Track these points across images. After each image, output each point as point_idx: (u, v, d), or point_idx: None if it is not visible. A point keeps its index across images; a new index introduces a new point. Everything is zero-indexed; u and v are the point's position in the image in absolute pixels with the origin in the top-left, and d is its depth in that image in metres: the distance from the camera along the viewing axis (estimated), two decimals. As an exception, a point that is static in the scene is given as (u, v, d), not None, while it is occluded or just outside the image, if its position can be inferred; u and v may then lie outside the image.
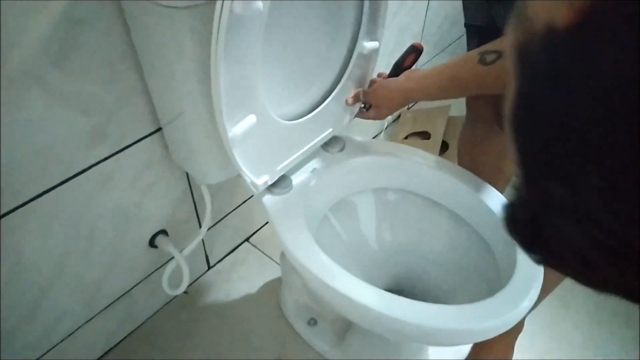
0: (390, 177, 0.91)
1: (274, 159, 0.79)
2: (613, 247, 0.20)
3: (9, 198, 0.68)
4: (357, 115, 0.92)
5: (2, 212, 0.67)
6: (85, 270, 0.85)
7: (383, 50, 1.48)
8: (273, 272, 1.19)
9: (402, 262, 0.95)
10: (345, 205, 0.92)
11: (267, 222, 1.28)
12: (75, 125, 0.70)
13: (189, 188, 0.98)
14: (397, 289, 0.92)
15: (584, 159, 0.19)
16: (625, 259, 0.20)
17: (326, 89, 0.84)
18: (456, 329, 0.65)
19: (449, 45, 1.84)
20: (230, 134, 0.64)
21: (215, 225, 1.12)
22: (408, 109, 1.72)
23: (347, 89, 0.86)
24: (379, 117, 0.87)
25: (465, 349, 1.01)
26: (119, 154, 0.79)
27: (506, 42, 0.23)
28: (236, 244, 1.25)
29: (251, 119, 0.66)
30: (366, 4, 0.77)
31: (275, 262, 1.21)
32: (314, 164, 0.88)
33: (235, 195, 1.14)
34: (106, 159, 0.78)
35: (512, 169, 1.01)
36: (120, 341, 1.03)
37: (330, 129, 0.88)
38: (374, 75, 0.91)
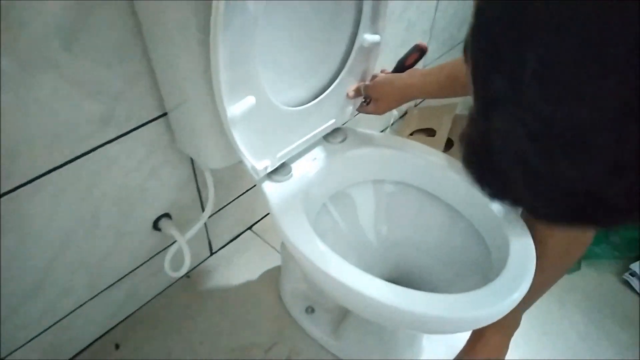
0: (390, 170, 0.92)
1: (274, 145, 0.80)
2: (543, 132, 0.24)
3: (18, 174, 0.70)
4: (357, 109, 0.94)
5: (10, 188, 0.70)
6: (90, 248, 0.88)
7: (389, 46, 1.50)
8: (274, 260, 1.21)
9: (400, 253, 0.96)
10: (344, 196, 0.94)
11: (270, 212, 1.30)
12: (82, 107, 0.73)
13: (193, 174, 1.00)
14: (394, 280, 0.93)
15: (522, 47, 0.23)
16: (552, 145, 0.24)
17: (327, 80, 0.85)
18: (447, 316, 0.66)
19: (458, 43, 1.84)
20: (229, 113, 0.66)
21: (219, 212, 1.14)
22: (415, 105, 1.73)
23: (348, 81, 0.88)
24: (378, 111, 0.89)
25: (460, 343, 1.02)
26: (125, 137, 0.82)
27: None
28: (239, 232, 1.27)
29: (250, 100, 0.68)
30: (368, -3, 0.78)
31: (277, 250, 1.23)
32: (314, 153, 0.89)
33: (239, 184, 1.16)
34: (112, 140, 0.80)
35: None
36: (123, 320, 1.06)
37: (333, 120, 0.90)
38: (377, 71, 0.93)
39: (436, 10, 1.55)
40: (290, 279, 1.07)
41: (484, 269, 0.79)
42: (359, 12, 0.80)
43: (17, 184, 0.71)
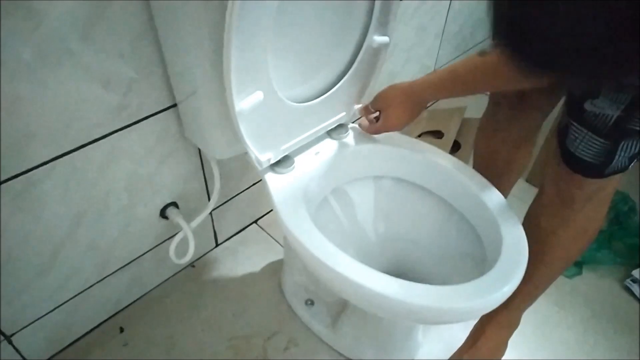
0: (389, 166, 0.94)
1: (279, 138, 0.83)
2: None
3: (32, 156, 0.74)
4: (368, 130, 0.92)
5: (25, 169, 0.74)
6: (99, 232, 0.91)
7: (400, 48, 1.52)
8: (277, 254, 1.23)
9: (397, 247, 0.98)
10: (345, 191, 0.96)
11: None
12: (95, 94, 0.76)
13: (200, 165, 1.03)
14: (392, 273, 0.95)
15: None
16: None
17: (334, 78, 0.88)
18: (441, 307, 0.67)
19: (470, 48, 1.85)
20: (237, 108, 0.68)
21: (225, 204, 1.17)
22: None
23: (353, 82, 0.89)
24: (388, 123, 0.87)
25: (456, 340, 1.03)
26: (136, 125, 0.85)
27: None
28: (244, 225, 1.30)
29: (258, 95, 0.71)
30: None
31: (281, 244, 1.26)
32: (317, 148, 0.92)
33: (246, 178, 1.19)
34: (123, 128, 0.83)
35: (525, 162, 1.04)
36: (128, 305, 1.10)
37: (336, 117, 0.92)
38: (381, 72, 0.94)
39: (448, 13, 1.56)
40: (291, 272, 1.09)
41: (478, 262, 0.80)
42: (370, 12, 0.82)
43: (32, 166, 0.74)
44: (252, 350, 1.03)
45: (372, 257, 0.97)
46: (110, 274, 1.00)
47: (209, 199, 1.07)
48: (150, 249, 1.05)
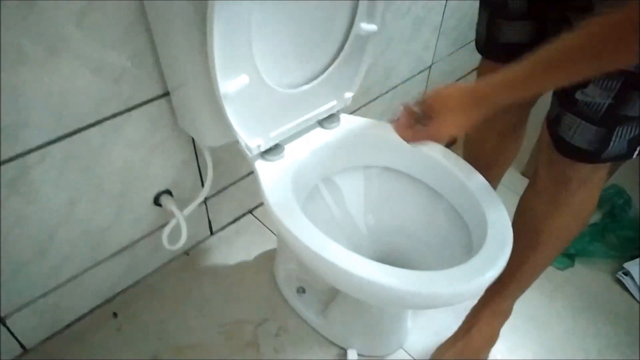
0: (380, 156, 0.95)
1: (268, 125, 0.84)
2: None
3: (26, 140, 0.75)
4: (413, 137, 0.73)
5: (19, 152, 0.75)
6: (93, 217, 0.93)
7: (398, 41, 1.52)
8: (271, 243, 1.25)
9: (387, 235, 0.99)
10: (334, 181, 0.97)
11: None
12: (89, 81, 0.78)
13: (194, 154, 1.05)
14: (382, 262, 0.96)
15: None
16: None
17: (324, 65, 0.88)
18: (424, 292, 0.68)
19: (470, 42, 1.84)
20: (222, 89, 0.70)
21: (220, 194, 1.19)
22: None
23: (342, 70, 0.90)
24: (442, 129, 0.68)
25: (445, 330, 1.04)
26: (129, 112, 0.86)
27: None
28: (239, 215, 1.31)
29: (244, 79, 0.72)
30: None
31: (275, 234, 1.27)
32: (308, 137, 0.93)
33: (240, 168, 1.20)
34: (117, 115, 0.85)
35: (514, 151, 1.04)
36: (122, 291, 1.11)
37: (326, 106, 0.93)
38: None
39: (445, 5, 1.56)
40: (284, 261, 1.10)
41: (466, 248, 0.81)
42: (356, 1, 0.83)
43: (26, 149, 0.76)
44: (243, 335, 1.05)
45: (362, 246, 0.98)
46: (104, 259, 1.02)
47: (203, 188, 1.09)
48: (144, 236, 1.07)
